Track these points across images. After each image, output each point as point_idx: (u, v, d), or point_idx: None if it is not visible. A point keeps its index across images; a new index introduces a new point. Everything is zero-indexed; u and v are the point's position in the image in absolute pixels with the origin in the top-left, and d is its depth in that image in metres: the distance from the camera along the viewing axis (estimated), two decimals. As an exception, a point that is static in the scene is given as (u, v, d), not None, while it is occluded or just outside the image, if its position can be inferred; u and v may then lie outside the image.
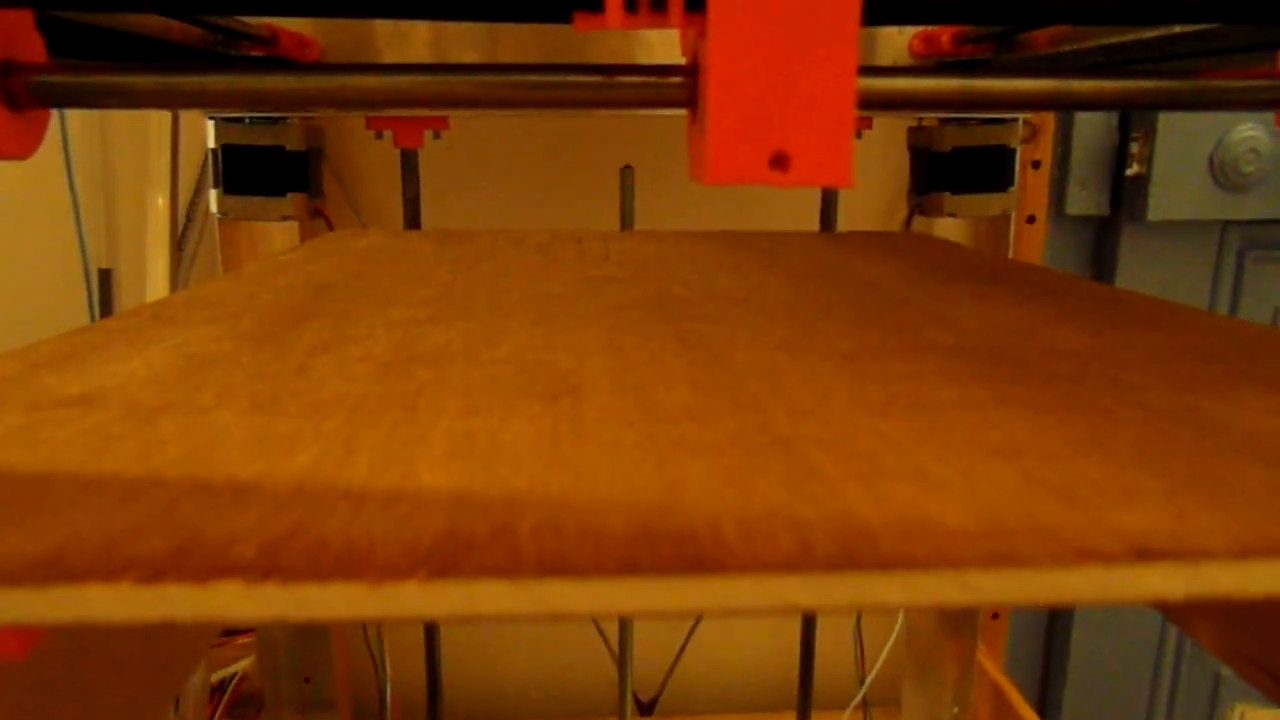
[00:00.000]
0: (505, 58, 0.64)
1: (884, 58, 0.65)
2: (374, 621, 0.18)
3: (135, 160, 0.85)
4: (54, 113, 0.83)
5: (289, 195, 0.70)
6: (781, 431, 0.22)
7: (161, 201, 0.83)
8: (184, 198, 0.86)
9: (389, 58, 0.63)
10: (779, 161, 0.23)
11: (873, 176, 0.91)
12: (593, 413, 0.24)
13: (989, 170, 0.74)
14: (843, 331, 0.35)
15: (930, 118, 0.76)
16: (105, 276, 0.86)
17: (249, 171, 0.69)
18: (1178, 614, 0.32)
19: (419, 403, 0.25)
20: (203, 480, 0.18)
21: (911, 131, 0.80)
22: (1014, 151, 0.75)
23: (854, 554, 0.15)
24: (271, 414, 0.24)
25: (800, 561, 0.15)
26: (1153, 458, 0.20)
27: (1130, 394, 0.26)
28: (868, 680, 0.93)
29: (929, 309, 0.41)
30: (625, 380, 0.27)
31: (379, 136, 0.70)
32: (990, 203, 0.75)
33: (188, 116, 0.83)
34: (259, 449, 0.21)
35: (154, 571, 0.14)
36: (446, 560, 0.15)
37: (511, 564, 0.14)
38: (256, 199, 0.70)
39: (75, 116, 0.85)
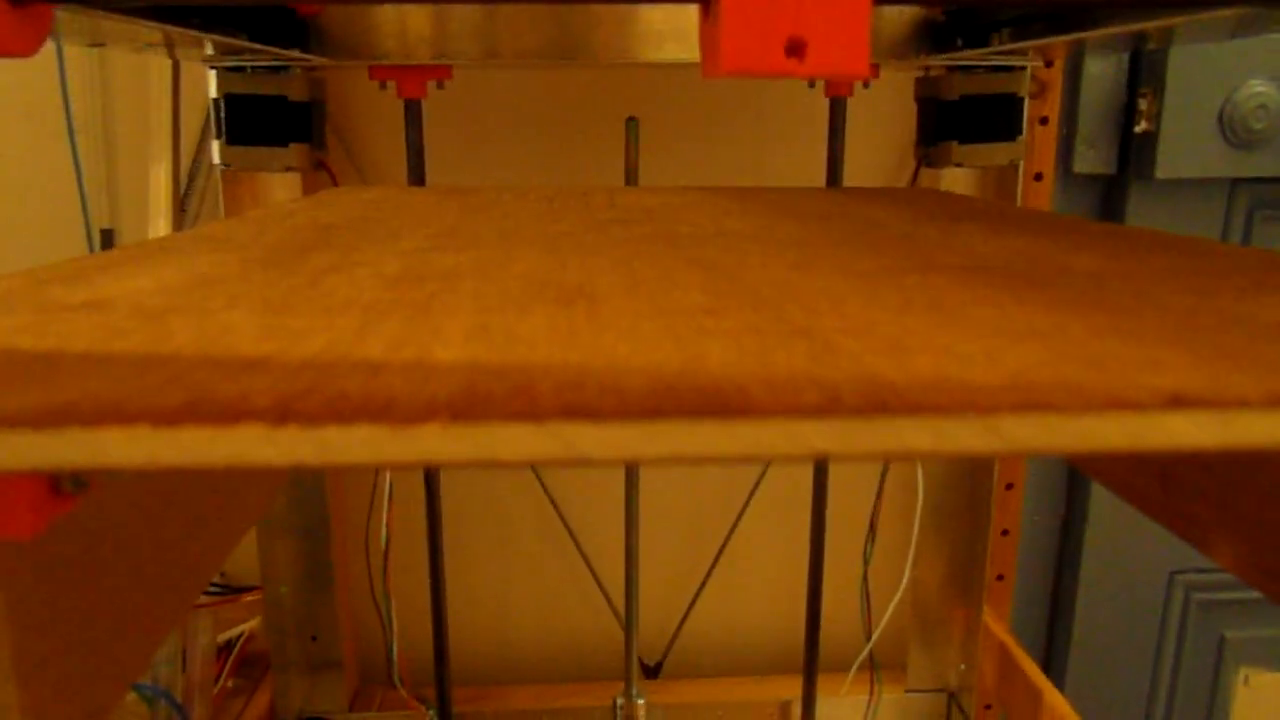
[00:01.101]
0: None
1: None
2: (395, 468, 0.17)
3: (137, 119, 0.85)
4: (56, 71, 0.82)
5: (292, 146, 0.69)
6: (801, 323, 0.22)
7: (163, 160, 0.82)
8: (186, 159, 0.86)
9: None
10: (794, 49, 0.22)
11: (878, 138, 0.90)
12: (608, 311, 0.24)
13: (996, 119, 0.74)
14: (854, 256, 0.35)
15: (937, 66, 0.75)
16: (107, 237, 0.85)
17: (251, 121, 0.69)
18: (1200, 534, 0.31)
19: (432, 305, 0.25)
20: (214, 356, 0.18)
21: (919, 82, 0.79)
22: (1021, 100, 0.74)
23: (882, 402, 0.15)
24: (283, 314, 0.23)
25: (827, 410, 0.14)
26: (1178, 340, 0.20)
27: (1149, 298, 0.26)
28: (873, 638, 0.93)
29: (940, 241, 0.40)
30: (639, 289, 0.27)
31: (383, 86, 0.70)
32: (997, 152, 0.74)
33: (190, 74, 0.82)
34: (269, 336, 0.20)
35: (169, 417, 0.14)
36: (467, 408, 0.14)
37: (533, 411, 0.14)
38: (259, 149, 0.69)
39: (76, 74, 0.84)
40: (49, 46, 0.80)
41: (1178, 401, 0.15)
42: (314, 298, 0.25)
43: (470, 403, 0.15)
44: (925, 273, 0.30)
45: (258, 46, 0.63)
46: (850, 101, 0.79)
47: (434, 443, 0.14)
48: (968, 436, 0.14)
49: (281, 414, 0.14)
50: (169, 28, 0.51)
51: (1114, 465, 0.35)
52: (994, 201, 0.70)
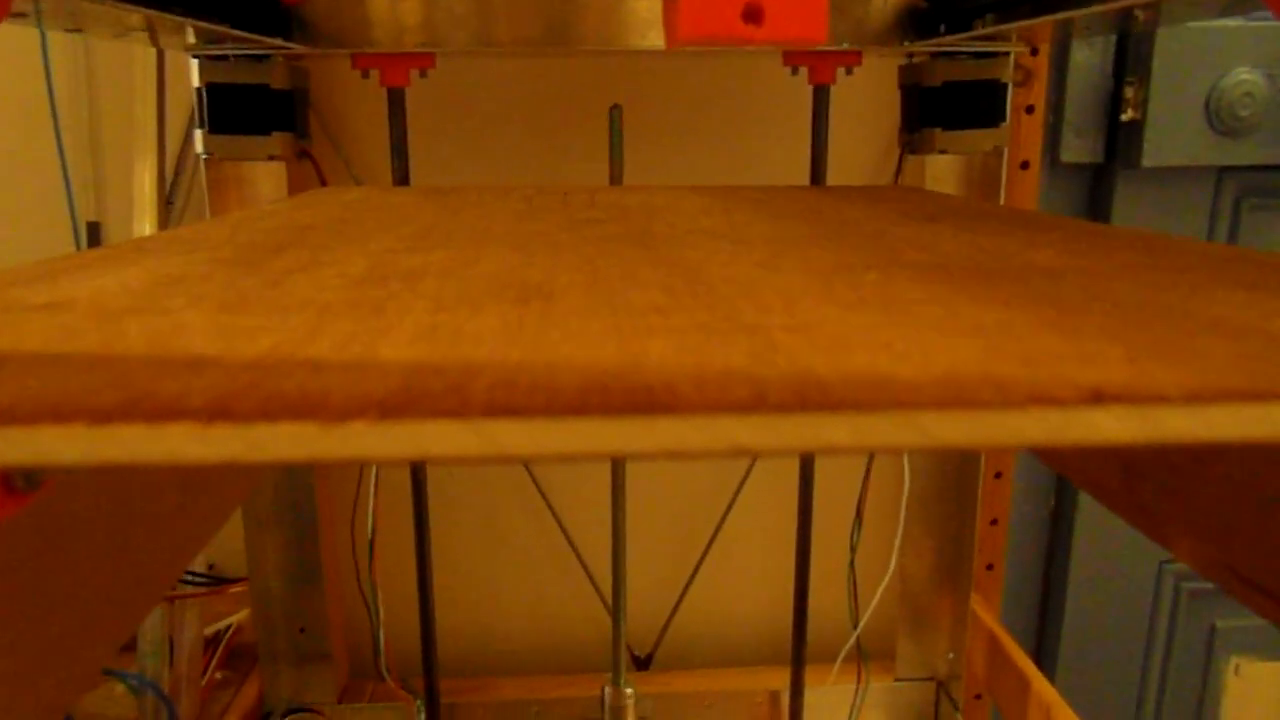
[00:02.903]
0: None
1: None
2: (325, 463, 0.18)
3: (122, 113, 0.85)
4: (40, 65, 0.82)
5: (274, 134, 0.69)
6: (749, 321, 0.22)
7: (148, 154, 0.82)
8: (171, 153, 0.86)
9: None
10: (752, 15, 0.23)
11: (867, 126, 0.90)
12: (561, 310, 0.24)
13: (979, 104, 0.74)
14: (820, 254, 0.35)
15: (921, 52, 0.75)
16: (93, 230, 0.86)
17: (234, 110, 0.69)
18: (1158, 527, 0.32)
19: (388, 305, 0.25)
20: (161, 356, 0.18)
21: (902, 69, 0.79)
22: (1005, 86, 0.74)
23: (806, 399, 0.15)
24: (238, 314, 0.24)
25: (753, 406, 0.15)
26: (1117, 334, 0.20)
27: (1101, 295, 0.26)
28: (859, 626, 0.93)
29: (909, 238, 0.41)
30: (597, 288, 0.27)
31: (365, 75, 0.70)
32: (981, 139, 0.75)
33: (174, 69, 0.82)
34: (220, 336, 0.21)
35: (104, 416, 0.14)
36: (398, 406, 0.15)
37: (462, 409, 0.14)
38: (242, 138, 0.69)
39: (61, 68, 0.84)
40: (33, 40, 0.79)
41: (1099, 397, 0.15)
42: (272, 298, 0.26)
43: (403, 400, 0.15)
44: (886, 270, 0.31)
45: (240, 34, 0.63)
46: (837, 90, 0.79)
47: (363, 440, 0.14)
48: (888, 432, 0.14)
49: (214, 413, 0.14)
50: (150, 12, 0.51)
51: (1076, 458, 0.35)
52: (974, 200, 0.70)
